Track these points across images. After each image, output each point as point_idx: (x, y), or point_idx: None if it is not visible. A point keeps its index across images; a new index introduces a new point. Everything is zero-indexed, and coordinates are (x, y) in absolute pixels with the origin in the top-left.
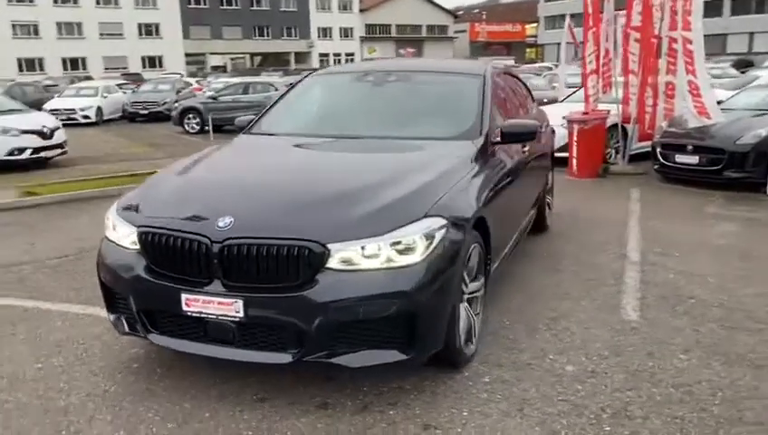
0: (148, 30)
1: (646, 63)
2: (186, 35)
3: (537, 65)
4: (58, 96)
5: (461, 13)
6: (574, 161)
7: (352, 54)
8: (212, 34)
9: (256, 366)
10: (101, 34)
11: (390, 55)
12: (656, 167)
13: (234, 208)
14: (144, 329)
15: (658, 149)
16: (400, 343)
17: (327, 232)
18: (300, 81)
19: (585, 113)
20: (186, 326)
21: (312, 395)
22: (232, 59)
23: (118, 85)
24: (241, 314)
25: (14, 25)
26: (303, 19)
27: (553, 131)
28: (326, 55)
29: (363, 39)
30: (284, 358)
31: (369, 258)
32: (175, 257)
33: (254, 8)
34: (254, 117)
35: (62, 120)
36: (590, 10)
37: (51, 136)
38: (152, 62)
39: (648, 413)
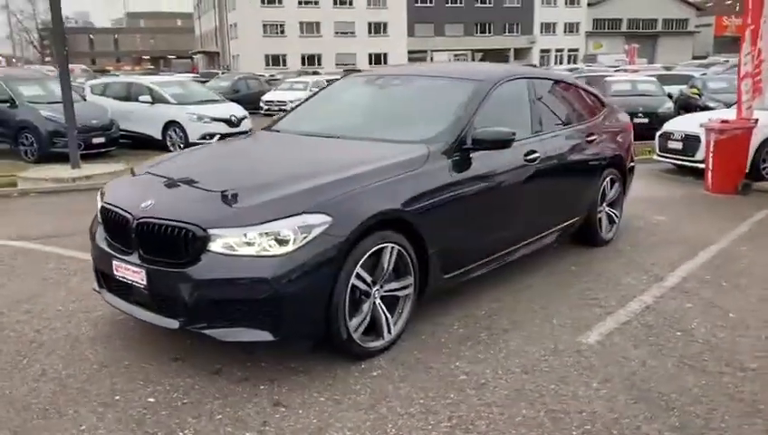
0: (377, 28)
1: None
2: (410, 33)
3: None
4: (274, 89)
5: (709, 5)
6: (709, 174)
7: (576, 50)
8: (435, 32)
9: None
10: (336, 33)
11: (617, 51)
12: None
13: (161, 194)
14: (99, 285)
15: None
16: (270, 325)
17: (210, 219)
18: (334, 81)
19: (724, 121)
20: (122, 288)
21: (216, 362)
22: (456, 56)
23: (327, 81)
24: (145, 283)
25: (264, 25)
26: (527, 15)
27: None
28: (547, 51)
29: (589, 34)
30: (174, 324)
31: (247, 246)
32: (114, 229)
33: (478, 5)
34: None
35: (275, 110)
36: (750, 5)
37: (238, 124)
38: (378, 58)
39: (490, 429)
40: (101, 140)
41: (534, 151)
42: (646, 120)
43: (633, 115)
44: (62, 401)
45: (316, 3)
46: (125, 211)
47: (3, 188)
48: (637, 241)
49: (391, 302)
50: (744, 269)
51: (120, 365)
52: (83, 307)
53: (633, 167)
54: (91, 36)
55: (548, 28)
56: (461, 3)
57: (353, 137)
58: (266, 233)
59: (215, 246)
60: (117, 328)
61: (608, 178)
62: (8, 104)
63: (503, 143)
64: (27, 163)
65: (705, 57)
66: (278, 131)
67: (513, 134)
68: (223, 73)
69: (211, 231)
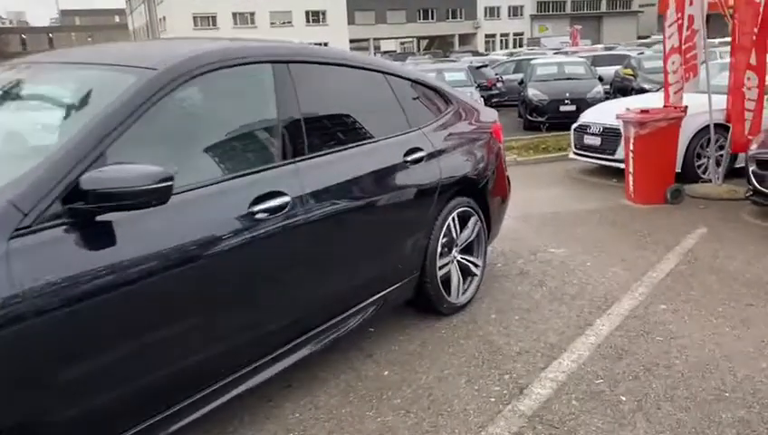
0: (315, 17)
1: (761, 40)
2: (350, 21)
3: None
4: None
5: None
6: (630, 180)
7: (521, 34)
8: (376, 19)
9: None
10: (272, 23)
11: (563, 33)
12: (748, 193)
13: None
14: None
15: (751, 168)
16: None
17: None
18: None
19: (644, 112)
20: None
21: None
22: (402, 43)
23: None
24: None
25: (195, 18)
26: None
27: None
28: (492, 36)
29: (534, 17)
30: None
31: None
32: None
33: None
34: None
35: None
36: None
37: None
38: None
39: None
40: None
41: (280, 194)
42: (573, 108)
43: (559, 102)
44: None
45: None
46: None
47: None
48: (509, 301)
49: None
50: (658, 358)
51: None
52: None
53: (508, 186)
54: (23, 36)
55: (492, 12)
56: None
57: None
58: None
59: None
60: None
61: (455, 213)
62: None
63: (139, 197)
64: None
65: (647, 37)
66: None
67: (168, 178)
68: None
69: None
